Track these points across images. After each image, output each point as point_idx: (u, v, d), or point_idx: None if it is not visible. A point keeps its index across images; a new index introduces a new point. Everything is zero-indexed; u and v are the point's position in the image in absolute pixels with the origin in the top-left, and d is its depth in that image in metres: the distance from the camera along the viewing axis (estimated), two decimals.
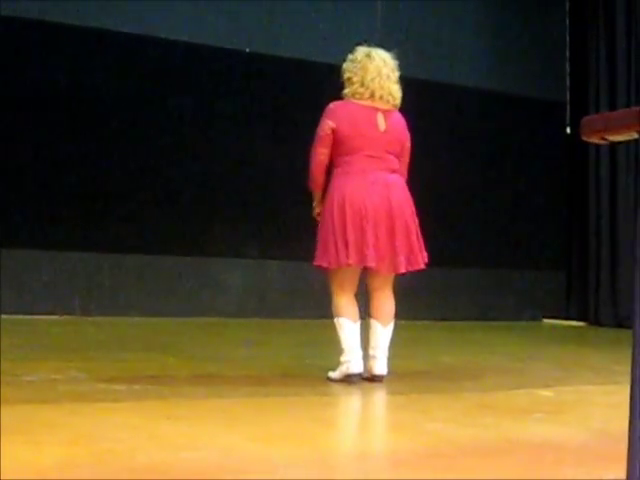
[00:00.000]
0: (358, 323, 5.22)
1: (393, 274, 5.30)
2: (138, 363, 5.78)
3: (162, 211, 9.65)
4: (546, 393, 5.13)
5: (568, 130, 11.93)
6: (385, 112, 5.28)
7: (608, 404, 4.76)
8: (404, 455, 3.33)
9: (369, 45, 5.51)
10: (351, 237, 5.10)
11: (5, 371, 4.98)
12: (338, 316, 5.20)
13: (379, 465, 3.15)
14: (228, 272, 9.99)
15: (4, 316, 8.43)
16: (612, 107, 11.10)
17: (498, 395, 5.09)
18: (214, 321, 9.41)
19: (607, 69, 11.57)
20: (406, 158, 5.43)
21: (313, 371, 5.63)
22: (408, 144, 5.42)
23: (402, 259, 5.17)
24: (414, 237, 5.24)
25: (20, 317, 8.57)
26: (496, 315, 11.33)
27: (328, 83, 10.38)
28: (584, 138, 2.25)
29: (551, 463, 3.27)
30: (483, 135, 11.49)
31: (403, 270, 5.22)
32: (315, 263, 5.27)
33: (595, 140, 2.24)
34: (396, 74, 5.36)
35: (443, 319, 10.74)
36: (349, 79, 5.35)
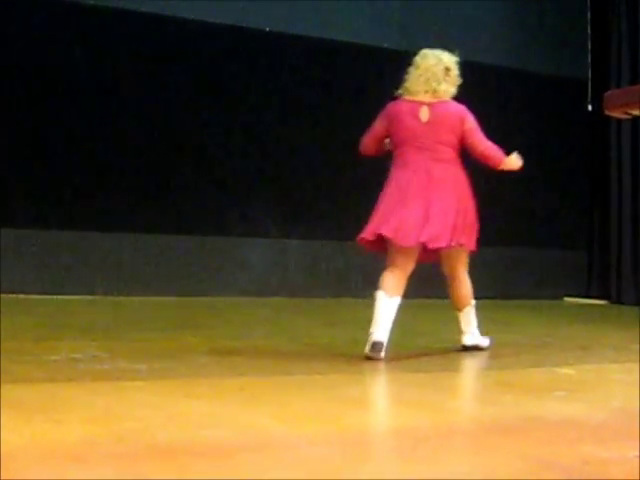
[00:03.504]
0: (394, 298, 5.35)
1: (459, 259, 5.68)
2: (159, 342, 5.80)
3: (182, 191, 9.66)
4: (567, 371, 5.11)
5: (589, 107, 11.85)
6: (430, 104, 5.59)
7: (628, 382, 4.74)
8: (425, 433, 3.33)
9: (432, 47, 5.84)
10: (381, 211, 5.51)
11: (27, 350, 5.03)
12: (377, 289, 5.40)
13: (400, 443, 3.15)
14: (248, 251, 10.00)
15: (25, 296, 8.50)
16: (634, 84, 11.01)
17: (519, 373, 5.08)
18: (234, 300, 9.42)
19: (629, 46, 11.48)
20: (474, 139, 5.65)
21: (333, 349, 5.63)
22: (467, 126, 5.65)
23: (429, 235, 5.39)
24: (450, 222, 5.45)
25: (41, 297, 8.62)
26: (517, 294, 11.30)
27: (348, 61, 10.44)
28: (607, 112, 2.23)
29: (571, 440, 3.26)
30: (502, 113, 11.41)
31: (422, 240, 5.39)
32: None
33: (618, 114, 2.22)
34: (440, 68, 5.64)
35: None
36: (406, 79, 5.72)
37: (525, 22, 11.65)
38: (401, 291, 5.43)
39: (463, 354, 5.70)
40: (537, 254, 11.63)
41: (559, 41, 11.76)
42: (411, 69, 5.68)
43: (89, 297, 8.95)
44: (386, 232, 5.38)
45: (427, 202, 5.43)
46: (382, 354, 5.17)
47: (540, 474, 2.74)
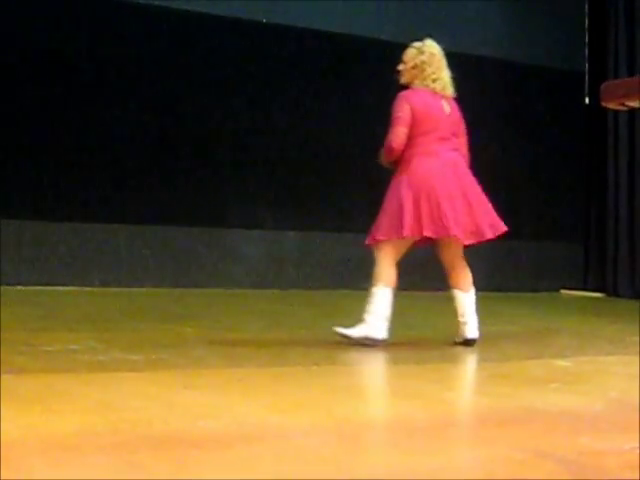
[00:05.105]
0: (390, 288, 5.48)
1: (461, 247, 5.70)
2: (155, 333, 5.80)
3: (179, 183, 9.66)
4: (563, 363, 5.12)
5: (587, 100, 11.85)
6: (446, 98, 5.75)
7: (625, 374, 4.75)
8: (420, 424, 3.33)
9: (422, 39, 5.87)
10: (425, 211, 5.47)
11: (24, 341, 5.02)
12: (378, 282, 5.48)
13: (396, 434, 3.15)
14: (245, 243, 10.00)
15: (22, 287, 8.50)
16: (631, 76, 11.00)
17: (515, 365, 5.08)
18: (231, 292, 9.43)
19: (626, 39, 11.48)
20: (465, 138, 5.85)
21: (330, 341, 5.63)
22: (464, 126, 5.86)
23: (468, 229, 5.57)
24: (479, 210, 5.62)
25: (39, 288, 8.62)
26: (514, 286, 11.31)
27: (345, 53, 10.43)
28: (604, 104, 2.23)
29: (568, 432, 3.26)
30: (500, 105, 11.42)
31: (469, 241, 5.64)
32: (381, 237, 5.54)
33: (614, 106, 2.22)
34: (444, 60, 5.82)
35: None
36: (421, 69, 5.72)
37: (522, 15, 11.64)
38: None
39: (456, 346, 5.68)
40: (534, 247, 11.64)
41: (556, 34, 11.75)
42: (423, 60, 5.71)
43: (86, 288, 8.95)
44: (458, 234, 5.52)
45: (465, 194, 5.57)
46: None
47: (537, 465, 2.74)
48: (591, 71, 11.91)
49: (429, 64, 5.70)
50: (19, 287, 8.55)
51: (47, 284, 8.80)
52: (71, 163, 9.14)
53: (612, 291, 11.52)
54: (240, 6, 9.87)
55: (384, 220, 5.57)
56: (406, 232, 5.44)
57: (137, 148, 9.50)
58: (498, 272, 11.35)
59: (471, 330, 5.62)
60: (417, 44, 5.78)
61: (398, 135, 5.56)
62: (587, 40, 12.01)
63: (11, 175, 8.83)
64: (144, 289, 9.17)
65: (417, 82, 5.71)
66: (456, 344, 5.63)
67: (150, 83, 9.56)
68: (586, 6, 12.01)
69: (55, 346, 4.90)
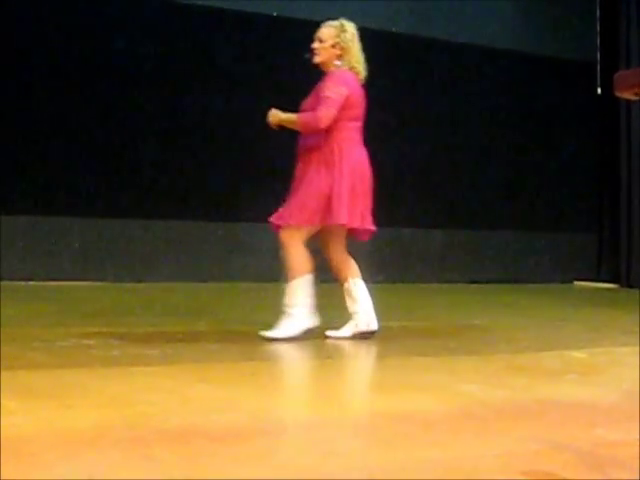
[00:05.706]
0: (311, 274, 5.52)
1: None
2: (170, 327, 5.81)
3: (192, 177, 9.66)
4: (578, 354, 5.11)
5: (599, 91, 11.80)
6: (361, 84, 5.52)
7: (639, 365, 4.73)
8: (436, 416, 3.33)
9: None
10: (358, 200, 5.42)
11: (38, 337, 5.04)
12: (304, 273, 5.49)
13: (411, 426, 3.15)
14: (258, 237, 9.99)
15: (35, 283, 8.52)
16: None
17: (530, 357, 5.08)
18: (245, 285, 9.43)
19: (637, 28, 11.43)
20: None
21: None
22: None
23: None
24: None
25: (52, 284, 8.64)
26: (527, 278, 11.29)
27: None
28: (617, 93, 2.22)
29: (583, 423, 3.26)
30: (513, 97, 11.39)
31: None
32: (345, 222, 5.43)
33: (628, 95, 2.21)
34: None
35: (474, 282, 10.71)
36: (345, 48, 5.49)
37: (534, 5, 11.60)
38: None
39: (473, 337, 5.68)
40: (547, 238, 11.61)
41: (568, 24, 11.71)
42: (348, 39, 5.48)
43: (99, 283, 8.97)
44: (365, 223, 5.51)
45: (370, 189, 5.50)
46: None
47: (552, 456, 2.74)
48: (603, 61, 11.86)
49: (353, 43, 5.48)
50: (32, 283, 8.57)
51: (61, 279, 8.82)
52: (84, 158, 9.15)
53: (625, 282, 11.49)
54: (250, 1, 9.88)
55: (310, 204, 5.55)
56: (346, 219, 5.39)
57: (150, 143, 9.51)
58: (512, 263, 11.33)
59: (376, 321, 5.41)
60: (335, 23, 5.54)
61: (329, 118, 5.33)
62: (599, 30, 11.96)
63: (24, 170, 8.85)
64: (157, 283, 9.19)
65: (339, 63, 5.47)
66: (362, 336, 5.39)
67: (163, 78, 9.56)
68: None
69: (70, 341, 4.92)
